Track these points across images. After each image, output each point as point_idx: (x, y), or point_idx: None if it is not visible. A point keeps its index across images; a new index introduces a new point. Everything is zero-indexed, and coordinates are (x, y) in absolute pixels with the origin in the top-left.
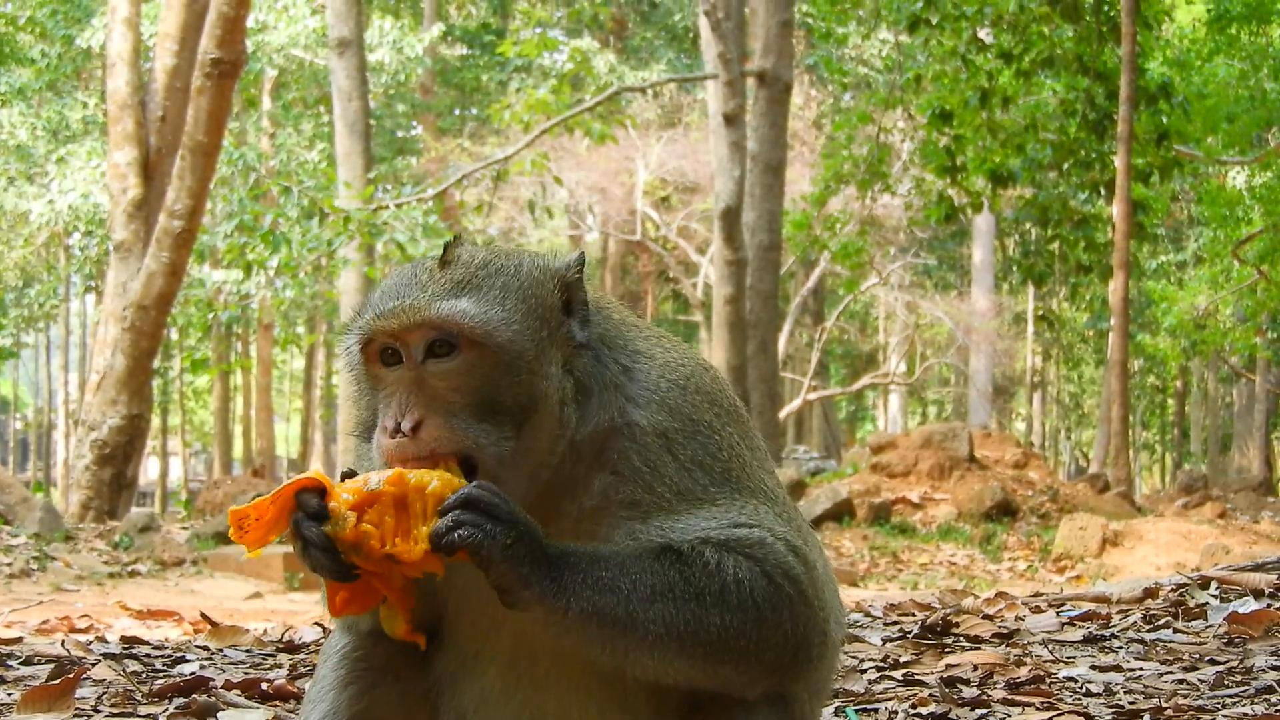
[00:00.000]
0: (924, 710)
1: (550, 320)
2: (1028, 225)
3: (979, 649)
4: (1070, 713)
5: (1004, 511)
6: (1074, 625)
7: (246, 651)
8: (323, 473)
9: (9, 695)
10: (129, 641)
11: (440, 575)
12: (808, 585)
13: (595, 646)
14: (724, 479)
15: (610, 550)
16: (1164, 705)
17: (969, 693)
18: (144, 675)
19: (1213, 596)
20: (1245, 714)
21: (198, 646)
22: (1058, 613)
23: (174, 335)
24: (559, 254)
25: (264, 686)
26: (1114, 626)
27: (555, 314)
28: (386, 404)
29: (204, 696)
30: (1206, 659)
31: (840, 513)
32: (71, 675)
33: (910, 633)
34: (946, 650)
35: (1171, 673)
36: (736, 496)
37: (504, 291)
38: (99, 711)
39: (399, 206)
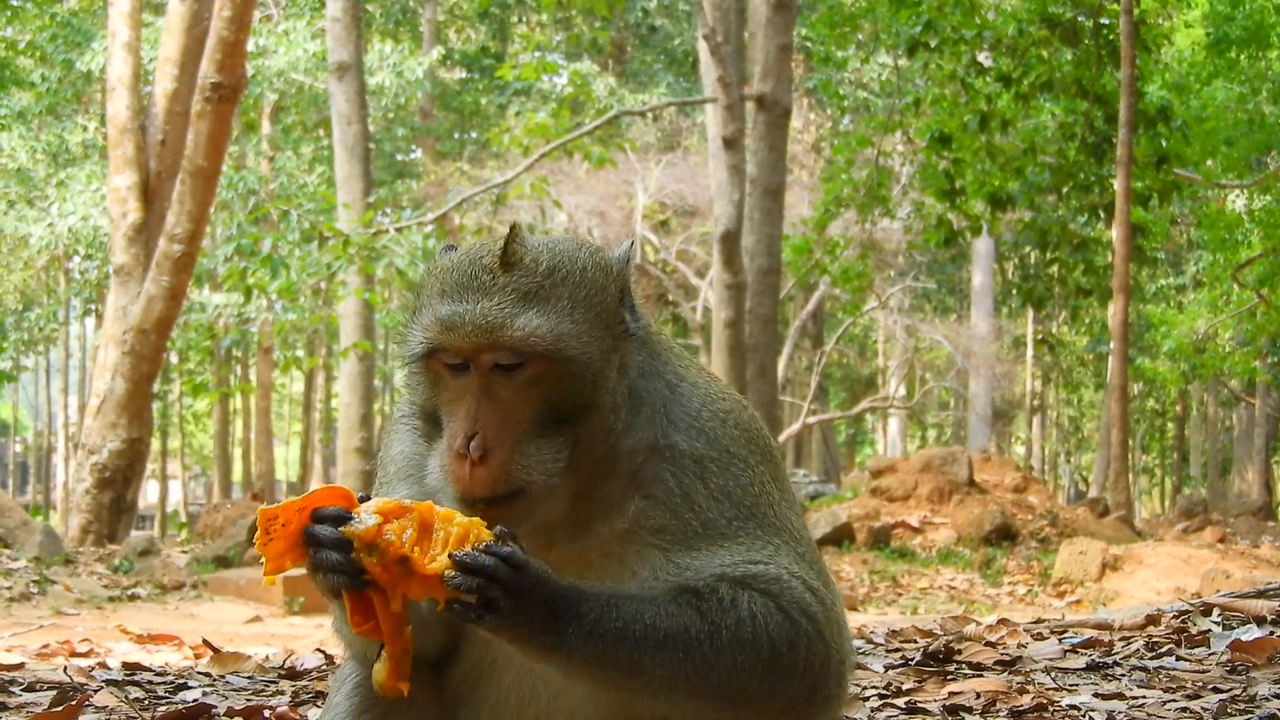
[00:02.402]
0: None
1: (611, 323)
2: (1027, 249)
3: (982, 676)
4: None
5: (1004, 536)
6: (1076, 652)
7: (248, 678)
8: (349, 489)
9: None
10: (131, 668)
11: (441, 607)
12: (825, 625)
13: (600, 689)
14: (750, 514)
15: (627, 593)
16: None
17: None
18: (146, 702)
19: (1215, 623)
20: None
21: (199, 673)
22: (1060, 640)
23: (174, 359)
24: (610, 246)
25: (266, 714)
26: (1116, 654)
27: (615, 313)
28: (452, 411)
29: None
30: (1209, 687)
31: (840, 537)
32: (74, 702)
33: (913, 660)
34: (949, 677)
35: (1174, 701)
36: (759, 533)
37: (572, 301)
38: None
39: (399, 230)
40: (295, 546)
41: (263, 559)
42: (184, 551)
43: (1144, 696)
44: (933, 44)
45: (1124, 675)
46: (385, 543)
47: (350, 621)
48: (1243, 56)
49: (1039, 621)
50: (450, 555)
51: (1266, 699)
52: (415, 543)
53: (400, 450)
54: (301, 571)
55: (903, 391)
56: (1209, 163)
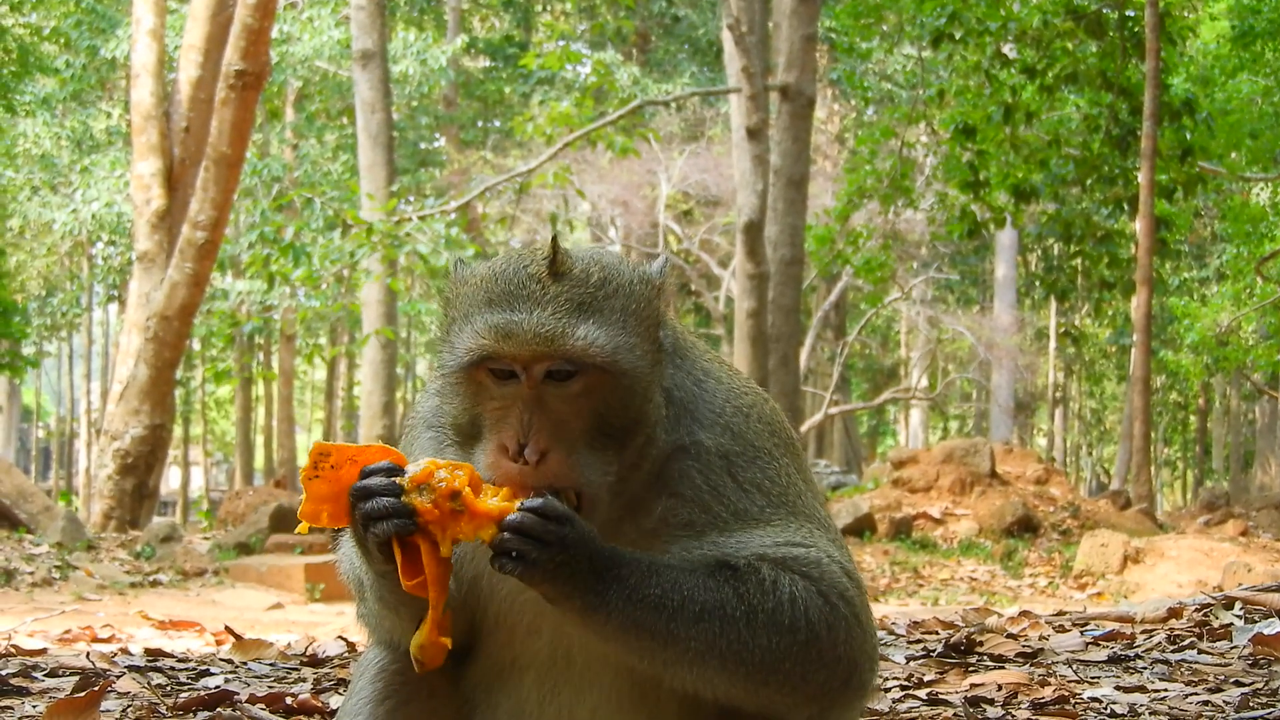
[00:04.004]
0: None
1: (656, 336)
2: (1050, 241)
3: (1003, 668)
4: None
5: (1025, 527)
6: (1098, 645)
7: (270, 665)
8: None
9: (34, 708)
10: (153, 654)
11: (488, 541)
12: (861, 610)
13: (633, 656)
14: (780, 502)
15: (667, 562)
16: None
17: (993, 713)
18: (168, 688)
19: (1237, 617)
20: None
21: (222, 659)
22: (1082, 632)
23: (196, 346)
24: (646, 263)
25: (288, 701)
26: (1138, 646)
27: (658, 328)
28: (500, 419)
29: (228, 710)
30: (1231, 680)
31: (861, 527)
32: (97, 688)
33: (934, 651)
34: (971, 669)
35: (1196, 694)
36: (792, 519)
37: (624, 314)
38: None
39: (422, 219)
40: (338, 499)
41: (301, 498)
42: (206, 538)
43: (1166, 689)
44: (957, 35)
45: (1146, 668)
46: (437, 480)
47: (402, 574)
48: (1268, 49)
49: (1061, 614)
50: (499, 524)
51: None
52: (465, 483)
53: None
54: (325, 558)
55: (925, 383)
56: (1233, 155)
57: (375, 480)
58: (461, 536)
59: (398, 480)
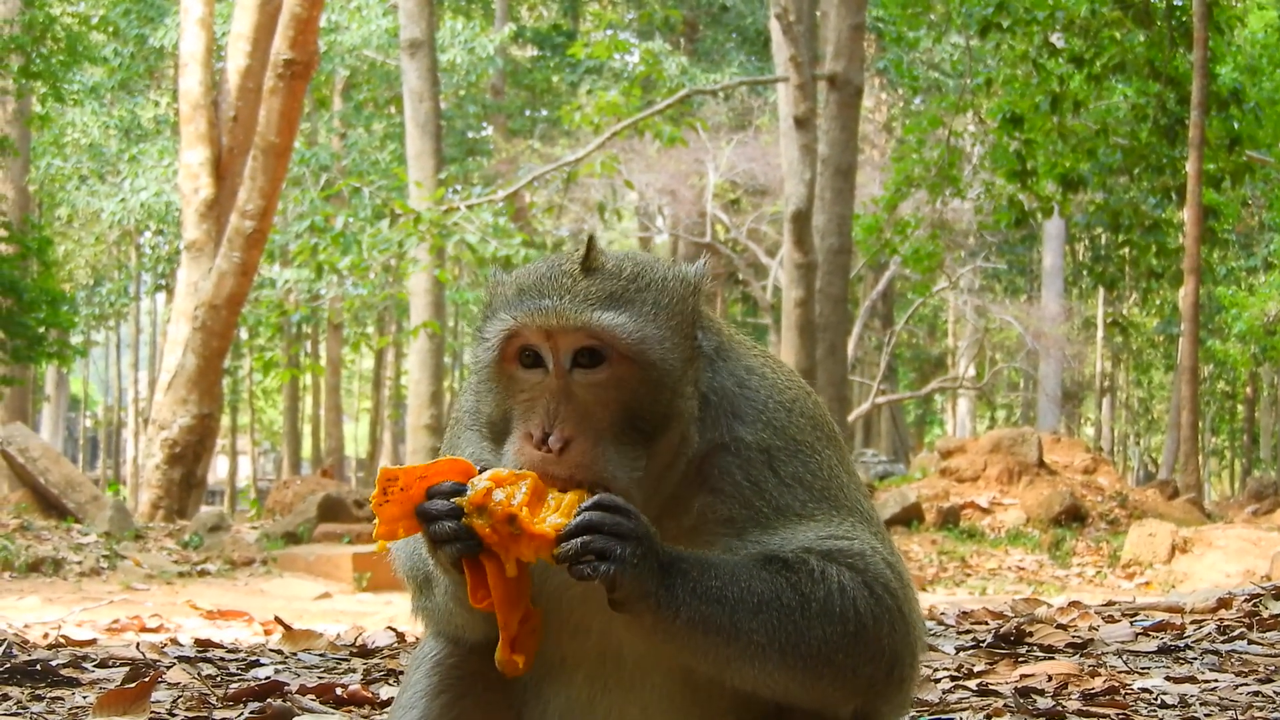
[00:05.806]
0: None
1: (691, 334)
2: (1098, 230)
3: (1053, 659)
4: None
5: (1073, 517)
6: (1148, 635)
7: (320, 656)
8: (469, 462)
9: (85, 699)
10: (203, 645)
11: (552, 564)
12: (904, 602)
13: (698, 655)
14: (823, 496)
15: (720, 557)
16: (1239, 718)
17: (1044, 704)
18: (218, 679)
19: None
20: None
21: (271, 650)
22: (1131, 623)
23: (244, 335)
24: (685, 264)
25: (339, 691)
26: (1188, 637)
27: (694, 326)
28: (528, 409)
29: (279, 701)
30: None
31: (909, 517)
32: (147, 679)
33: (984, 641)
34: (1020, 660)
35: (1246, 684)
36: (834, 514)
37: (655, 307)
38: (174, 715)
39: (470, 208)
40: (410, 516)
41: (375, 520)
42: (253, 527)
43: (1216, 680)
44: (1005, 24)
45: (1196, 659)
46: (494, 504)
47: (471, 595)
48: None
49: (1110, 604)
50: (560, 532)
51: None
52: (526, 504)
53: (471, 453)
54: (373, 548)
55: (972, 372)
56: None
57: (436, 504)
58: (524, 558)
59: (458, 501)
